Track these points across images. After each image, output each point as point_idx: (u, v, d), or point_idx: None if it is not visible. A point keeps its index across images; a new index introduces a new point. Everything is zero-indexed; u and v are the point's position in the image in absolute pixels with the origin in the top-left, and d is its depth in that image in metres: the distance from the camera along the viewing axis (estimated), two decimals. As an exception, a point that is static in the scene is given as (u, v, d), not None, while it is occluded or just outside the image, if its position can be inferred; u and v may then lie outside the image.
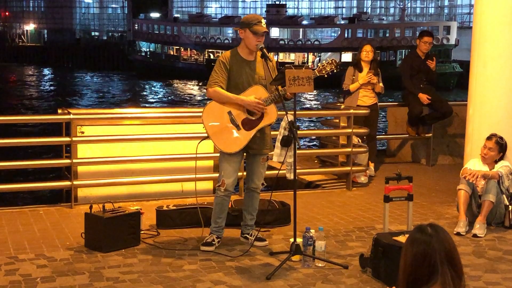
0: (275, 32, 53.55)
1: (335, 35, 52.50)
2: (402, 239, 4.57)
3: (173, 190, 7.03)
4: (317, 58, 50.06)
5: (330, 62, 5.22)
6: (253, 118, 5.12)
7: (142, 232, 5.48)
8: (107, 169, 6.81)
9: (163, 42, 59.84)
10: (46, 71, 61.22)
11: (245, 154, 5.33)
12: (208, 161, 7.07)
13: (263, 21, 5.18)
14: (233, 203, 5.97)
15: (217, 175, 5.51)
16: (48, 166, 7.65)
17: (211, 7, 72.25)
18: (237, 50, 5.26)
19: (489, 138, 6.12)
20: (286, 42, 52.84)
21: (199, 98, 40.72)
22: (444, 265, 2.38)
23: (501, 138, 6.10)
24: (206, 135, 5.22)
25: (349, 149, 7.49)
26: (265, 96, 5.10)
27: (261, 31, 5.10)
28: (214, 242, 5.25)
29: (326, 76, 5.25)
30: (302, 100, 36.76)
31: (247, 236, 5.41)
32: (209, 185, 7.14)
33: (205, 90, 6.31)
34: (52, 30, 76.17)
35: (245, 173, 5.97)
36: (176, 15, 66.06)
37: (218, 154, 5.39)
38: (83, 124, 6.70)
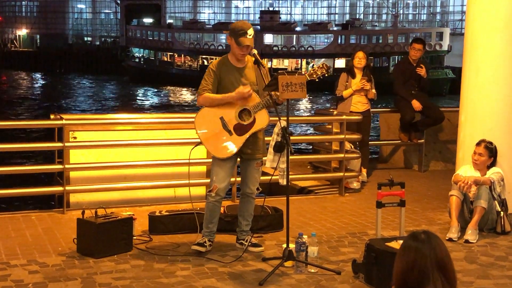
0: (268, 39, 53.62)
1: (329, 41, 52.62)
2: (394, 245, 4.58)
3: (165, 195, 7.02)
4: (311, 65, 50.16)
5: (321, 66, 5.24)
6: (245, 123, 5.13)
7: (134, 237, 5.47)
8: (100, 175, 6.80)
9: (157, 48, 59.80)
10: (38, 76, 61.03)
11: (238, 159, 5.33)
12: (200, 166, 7.07)
13: (250, 31, 5.08)
14: (226, 208, 5.97)
15: (209, 180, 5.49)
16: (40, 172, 7.63)
17: (204, 12, 72.30)
18: (227, 57, 5.27)
19: (478, 144, 6.15)
20: (279, 48, 52.91)
21: (192, 104, 40.71)
22: (435, 272, 2.39)
23: (490, 143, 6.13)
24: (199, 141, 5.23)
25: (342, 155, 7.51)
26: (257, 101, 5.12)
27: (243, 44, 5.08)
28: (206, 244, 5.26)
29: (317, 80, 5.27)
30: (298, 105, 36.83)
31: (243, 242, 5.41)
32: (201, 190, 7.13)
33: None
34: (44, 35, 75.92)
35: (238, 179, 5.96)
36: (169, 21, 66.07)
37: (210, 160, 5.40)
38: (75, 129, 6.69)
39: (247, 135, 5.14)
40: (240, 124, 5.12)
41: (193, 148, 5.40)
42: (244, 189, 5.39)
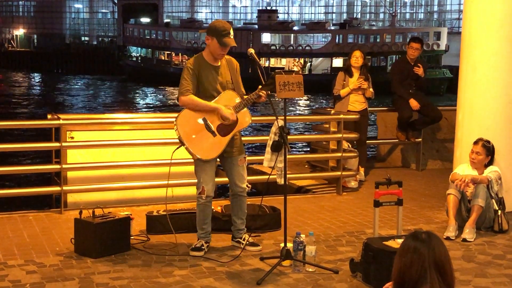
0: (266, 38, 53.58)
1: (326, 40, 52.63)
2: (392, 243, 4.58)
3: (163, 195, 7.01)
4: (308, 63, 50.10)
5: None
6: (228, 123, 5.14)
7: (132, 237, 5.47)
8: (97, 175, 6.79)
9: (154, 47, 59.75)
10: (36, 76, 60.97)
11: (218, 159, 5.31)
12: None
13: (232, 31, 5.11)
14: (224, 208, 5.97)
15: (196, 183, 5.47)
16: (38, 172, 7.62)
17: (201, 12, 72.30)
18: (202, 55, 5.24)
19: (475, 142, 6.16)
20: (277, 48, 52.91)
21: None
22: (432, 273, 2.40)
23: (488, 141, 6.14)
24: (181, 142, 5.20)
25: (339, 154, 7.51)
26: (238, 100, 5.13)
27: (229, 45, 5.08)
28: (203, 247, 5.24)
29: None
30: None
31: (240, 240, 5.40)
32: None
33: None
34: (42, 35, 75.81)
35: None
36: (166, 20, 66.04)
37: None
38: (73, 129, 6.68)
39: (230, 136, 5.15)
40: (223, 124, 5.13)
41: (175, 150, 5.33)
42: (234, 188, 5.37)
